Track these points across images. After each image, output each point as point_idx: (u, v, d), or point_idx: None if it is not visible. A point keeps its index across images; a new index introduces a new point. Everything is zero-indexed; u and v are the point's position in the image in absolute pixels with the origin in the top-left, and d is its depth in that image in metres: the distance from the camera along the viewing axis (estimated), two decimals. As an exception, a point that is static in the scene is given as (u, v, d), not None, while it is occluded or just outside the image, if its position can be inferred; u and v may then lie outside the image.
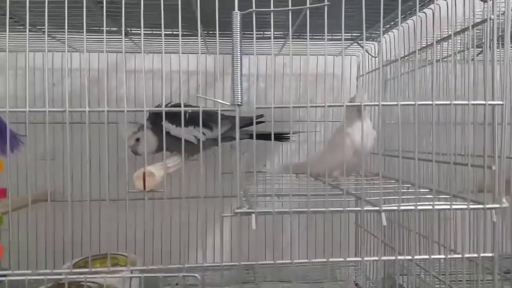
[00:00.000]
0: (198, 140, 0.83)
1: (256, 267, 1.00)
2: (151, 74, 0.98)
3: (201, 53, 0.97)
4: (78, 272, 0.60)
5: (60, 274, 0.61)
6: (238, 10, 0.51)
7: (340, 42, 0.86)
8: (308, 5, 0.51)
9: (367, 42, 0.91)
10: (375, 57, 0.91)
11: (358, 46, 0.91)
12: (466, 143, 0.59)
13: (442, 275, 0.77)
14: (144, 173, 0.56)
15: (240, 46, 0.51)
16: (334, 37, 0.86)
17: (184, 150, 0.72)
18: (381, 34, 0.79)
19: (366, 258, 0.63)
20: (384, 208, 0.53)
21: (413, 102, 0.55)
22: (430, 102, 0.56)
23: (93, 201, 0.66)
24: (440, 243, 0.78)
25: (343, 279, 1.03)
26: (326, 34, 0.52)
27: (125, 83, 0.87)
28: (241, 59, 0.51)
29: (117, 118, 0.82)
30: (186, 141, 0.78)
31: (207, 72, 0.99)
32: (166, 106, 0.79)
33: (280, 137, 0.95)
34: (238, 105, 0.52)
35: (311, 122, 1.01)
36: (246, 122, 0.82)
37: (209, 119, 0.83)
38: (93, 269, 0.59)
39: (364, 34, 0.55)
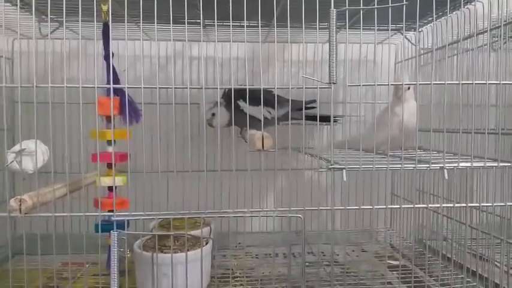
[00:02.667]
0: (265, 118, 0.95)
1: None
2: (211, 60, 1.10)
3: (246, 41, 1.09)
4: (186, 212, 0.72)
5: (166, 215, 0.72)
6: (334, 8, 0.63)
7: (382, 31, 0.99)
8: (390, 4, 0.62)
9: (407, 32, 1.03)
10: (415, 45, 1.03)
11: (399, 35, 1.03)
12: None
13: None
14: (262, 136, 0.69)
15: (336, 36, 0.63)
16: (381, 27, 0.97)
17: (251, 126, 0.84)
18: (417, 28, 0.90)
19: (403, 206, 0.78)
20: (446, 166, 0.66)
21: (443, 82, 0.70)
22: (471, 82, 0.69)
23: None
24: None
25: (381, 241, 1.17)
26: (389, 24, 0.65)
27: (204, 68, 0.97)
28: (336, 47, 0.63)
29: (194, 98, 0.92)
30: (253, 118, 0.90)
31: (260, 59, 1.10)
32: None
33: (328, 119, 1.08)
34: (333, 83, 0.64)
35: (354, 103, 1.13)
36: (300, 106, 0.94)
37: (274, 101, 0.94)
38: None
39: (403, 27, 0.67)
